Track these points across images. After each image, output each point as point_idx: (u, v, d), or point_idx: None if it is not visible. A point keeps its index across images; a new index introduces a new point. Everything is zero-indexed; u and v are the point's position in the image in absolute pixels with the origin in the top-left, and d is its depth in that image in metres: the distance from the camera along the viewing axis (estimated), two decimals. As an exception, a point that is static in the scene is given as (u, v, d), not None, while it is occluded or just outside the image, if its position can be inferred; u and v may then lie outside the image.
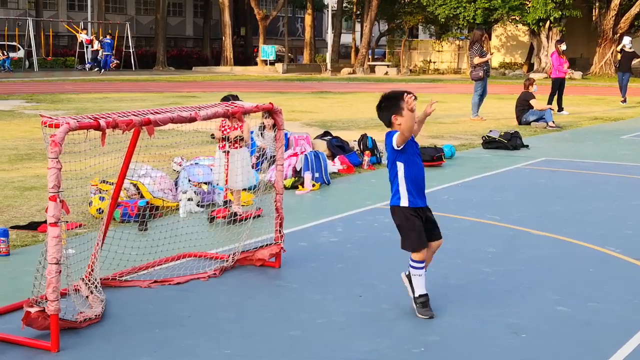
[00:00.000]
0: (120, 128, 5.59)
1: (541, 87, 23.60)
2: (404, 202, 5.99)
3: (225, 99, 8.99)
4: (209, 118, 6.43)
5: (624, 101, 27.93)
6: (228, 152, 9.11)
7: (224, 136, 9.10)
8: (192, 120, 6.25)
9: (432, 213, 6.18)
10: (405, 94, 5.82)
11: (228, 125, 9.12)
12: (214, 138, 9.24)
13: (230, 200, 9.39)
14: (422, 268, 6.05)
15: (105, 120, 5.46)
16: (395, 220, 6.12)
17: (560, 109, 24.01)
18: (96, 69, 48.83)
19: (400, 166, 5.98)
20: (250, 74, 53.69)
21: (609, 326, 5.93)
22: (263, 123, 12.29)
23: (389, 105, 5.95)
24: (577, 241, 8.38)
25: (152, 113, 5.99)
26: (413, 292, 6.13)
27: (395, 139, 5.87)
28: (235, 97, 8.93)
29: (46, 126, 5.22)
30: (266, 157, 11.45)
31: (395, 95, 5.95)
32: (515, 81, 43.64)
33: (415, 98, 5.89)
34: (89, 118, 5.47)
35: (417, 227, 6.00)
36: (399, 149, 5.89)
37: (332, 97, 30.44)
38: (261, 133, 12.32)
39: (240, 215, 8.79)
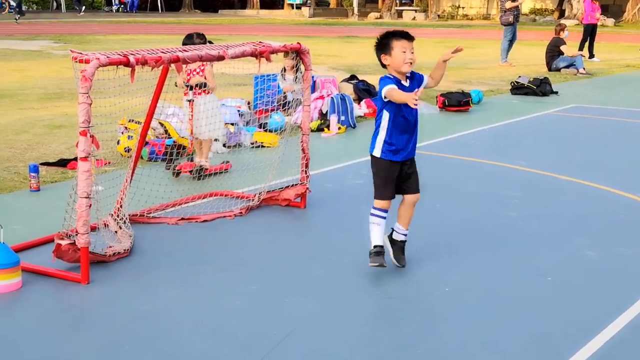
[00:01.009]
0: (149, 64, 5.60)
1: (572, 33, 23.27)
2: (377, 152, 5.68)
3: (189, 37, 8.24)
4: (237, 56, 6.43)
5: None
6: (192, 100, 8.29)
7: (186, 83, 8.28)
8: (220, 58, 6.26)
9: (414, 166, 5.79)
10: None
11: (190, 70, 8.33)
12: (177, 86, 8.28)
13: (193, 154, 8.56)
14: (382, 217, 5.79)
15: (135, 57, 5.47)
16: (371, 167, 5.84)
17: (592, 55, 23.72)
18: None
19: (385, 116, 5.60)
20: (276, 17, 53.37)
21: (636, 273, 5.92)
22: (284, 66, 12.19)
23: (380, 45, 5.61)
24: (606, 187, 8.33)
25: (180, 51, 6.00)
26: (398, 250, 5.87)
27: (385, 90, 5.49)
28: (201, 36, 8.26)
29: (77, 61, 5.24)
30: (289, 101, 11.36)
31: (386, 34, 5.62)
32: (545, 27, 43.08)
33: (412, 39, 5.54)
34: (119, 54, 5.48)
35: (385, 178, 5.72)
36: (386, 99, 5.56)
37: (358, 42, 30.22)
38: (282, 75, 12.23)
39: (207, 169, 8.35)
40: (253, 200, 7.33)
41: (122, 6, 53.50)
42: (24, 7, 48.35)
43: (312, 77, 13.03)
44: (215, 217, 6.91)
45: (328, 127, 11.19)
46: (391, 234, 5.96)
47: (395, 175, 5.73)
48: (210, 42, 7.82)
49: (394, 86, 5.47)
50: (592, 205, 7.73)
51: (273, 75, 12.11)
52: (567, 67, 20.40)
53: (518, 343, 4.68)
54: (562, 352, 4.57)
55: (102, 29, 33.51)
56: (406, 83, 5.61)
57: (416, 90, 5.43)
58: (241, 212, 7.07)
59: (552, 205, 7.67)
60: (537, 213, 7.39)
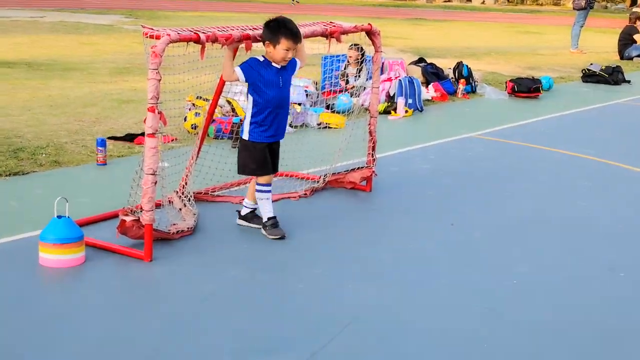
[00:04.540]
0: (219, 42, 5.54)
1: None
2: (245, 135, 5.82)
3: None
4: (307, 37, 6.32)
5: None
6: None
7: None
8: (291, 37, 6.16)
9: (278, 146, 5.99)
10: (284, 30, 5.62)
11: None
12: None
13: None
14: (268, 192, 5.92)
15: (205, 34, 5.42)
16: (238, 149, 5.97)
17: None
18: None
19: (250, 99, 5.79)
20: (344, -3, 53.07)
21: None
22: (348, 59, 11.84)
23: (269, 31, 5.67)
24: (679, 181, 8.09)
25: (250, 29, 5.93)
26: (261, 219, 6.01)
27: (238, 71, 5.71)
28: None
29: (147, 37, 5.21)
30: (355, 87, 11.09)
31: (278, 25, 5.67)
32: (617, 15, 42.18)
33: (299, 41, 5.73)
34: (189, 31, 5.43)
35: (258, 156, 5.82)
36: (245, 80, 5.70)
37: (427, 24, 29.93)
38: (345, 71, 11.89)
39: None
40: (318, 182, 7.26)
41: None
42: None
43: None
44: (279, 198, 6.85)
45: (395, 109, 11.05)
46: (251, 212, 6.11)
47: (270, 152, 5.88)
48: None
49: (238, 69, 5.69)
50: (666, 199, 7.51)
51: (342, 55, 11.96)
52: (639, 55, 19.93)
53: (588, 341, 4.53)
54: (634, 352, 4.42)
55: (172, 5, 33.70)
56: (278, 66, 5.74)
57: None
58: (306, 194, 7.00)
59: (624, 196, 7.45)
60: (608, 204, 7.19)
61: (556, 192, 7.53)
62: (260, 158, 5.85)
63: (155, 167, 5.20)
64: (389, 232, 6.22)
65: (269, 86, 5.73)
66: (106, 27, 21.83)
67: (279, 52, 5.68)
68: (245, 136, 5.85)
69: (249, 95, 5.82)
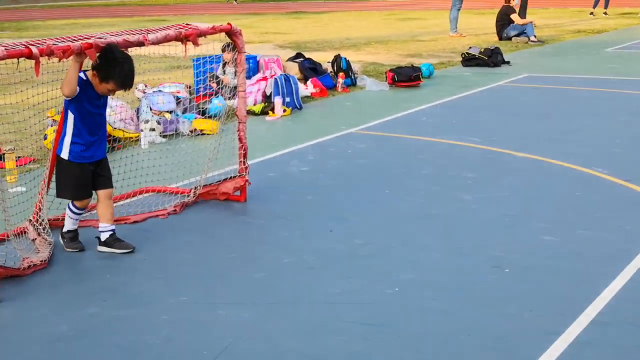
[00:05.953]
0: (56, 56, 5.01)
1: (521, 1, 22.80)
2: (64, 154, 5.50)
3: None
4: (160, 42, 5.86)
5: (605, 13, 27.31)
6: None
7: None
8: (140, 44, 5.70)
9: (106, 162, 5.71)
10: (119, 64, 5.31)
11: None
12: None
13: None
14: (79, 215, 5.69)
15: (38, 48, 4.88)
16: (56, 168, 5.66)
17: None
18: None
19: (70, 116, 5.46)
20: (224, -5, 52.35)
21: (601, 256, 5.51)
22: (224, 60, 11.39)
23: (104, 63, 5.28)
24: (563, 163, 7.89)
25: (96, 37, 5.42)
26: (124, 243, 5.67)
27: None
28: None
29: (-30, 55, 4.65)
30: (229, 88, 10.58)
31: (115, 64, 5.30)
32: (494, -4, 42.76)
33: (127, 89, 5.49)
34: (22, 45, 4.89)
35: (77, 179, 5.54)
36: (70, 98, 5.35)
37: (307, 17, 29.58)
38: (223, 71, 11.43)
39: None
40: (189, 195, 6.78)
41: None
42: None
43: (255, 57, 12.47)
44: (146, 217, 6.36)
45: (272, 109, 10.63)
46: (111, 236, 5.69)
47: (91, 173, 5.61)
48: None
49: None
50: (549, 184, 7.30)
51: (217, 56, 11.44)
52: (517, 35, 19.99)
53: (474, 348, 4.22)
54: (522, 356, 4.13)
55: (42, 14, 32.45)
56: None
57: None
58: (175, 210, 6.52)
59: (508, 186, 7.21)
60: (493, 195, 6.94)
61: (439, 186, 7.24)
62: (79, 180, 5.54)
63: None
64: (264, 246, 5.81)
65: (91, 104, 5.43)
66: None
67: (102, 89, 5.41)
68: (65, 155, 5.50)
69: (69, 112, 5.44)
